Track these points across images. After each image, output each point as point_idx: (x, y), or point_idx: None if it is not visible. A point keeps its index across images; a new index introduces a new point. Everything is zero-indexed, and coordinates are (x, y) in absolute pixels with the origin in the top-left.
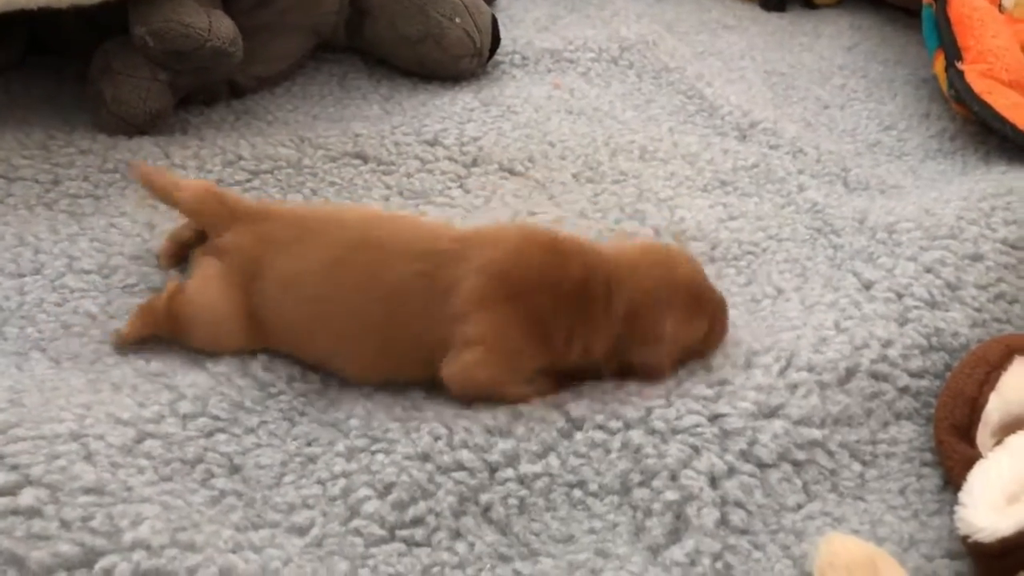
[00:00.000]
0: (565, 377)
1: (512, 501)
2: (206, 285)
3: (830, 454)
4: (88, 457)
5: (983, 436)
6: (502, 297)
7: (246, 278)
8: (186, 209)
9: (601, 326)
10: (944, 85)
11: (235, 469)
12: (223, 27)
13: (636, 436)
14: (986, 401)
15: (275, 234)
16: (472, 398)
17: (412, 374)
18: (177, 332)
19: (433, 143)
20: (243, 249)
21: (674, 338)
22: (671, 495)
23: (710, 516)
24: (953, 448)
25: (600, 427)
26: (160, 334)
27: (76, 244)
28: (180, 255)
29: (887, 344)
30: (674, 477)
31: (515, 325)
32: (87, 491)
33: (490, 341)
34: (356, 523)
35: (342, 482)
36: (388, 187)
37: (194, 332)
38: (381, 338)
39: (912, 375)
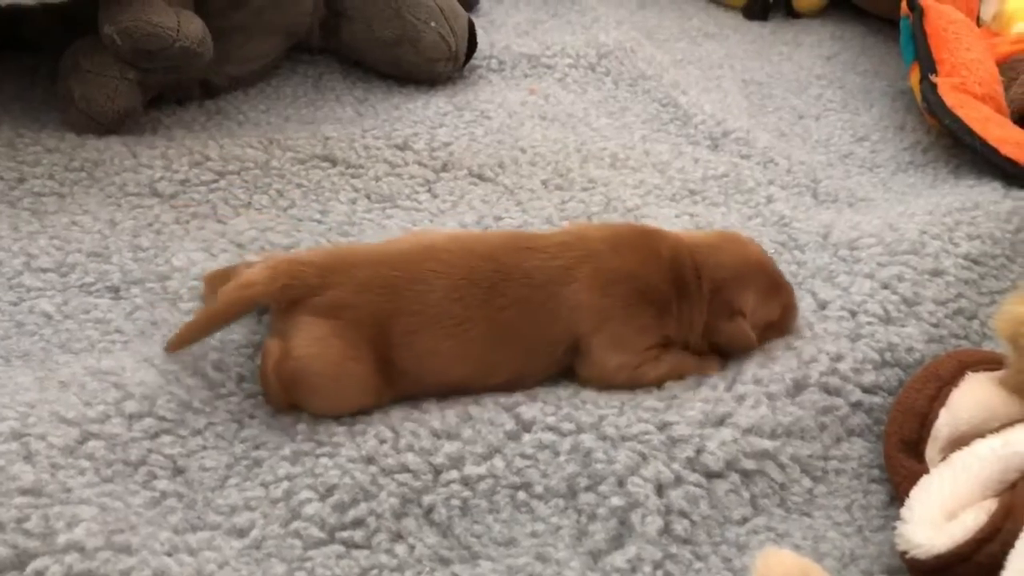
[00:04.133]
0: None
1: (455, 503)
2: (326, 347)
3: (781, 467)
4: (28, 457)
5: (932, 452)
6: (614, 280)
7: (374, 331)
8: (262, 287)
9: (695, 302)
10: (919, 97)
11: (178, 471)
12: (192, 27)
13: (587, 440)
14: (936, 417)
15: (382, 278)
16: (616, 388)
17: (548, 369)
18: (295, 399)
19: (403, 147)
20: (359, 303)
21: (755, 313)
22: (617, 501)
23: (654, 524)
24: (901, 464)
25: (550, 429)
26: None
27: (35, 242)
28: None
29: (837, 358)
30: (621, 483)
31: (632, 304)
32: (24, 492)
33: (612, 325)
34: (296, 525)
35: (285, 484)
36: (356, 190)
37: (319, 397)
38: (520, 340)
39: (865, 390)
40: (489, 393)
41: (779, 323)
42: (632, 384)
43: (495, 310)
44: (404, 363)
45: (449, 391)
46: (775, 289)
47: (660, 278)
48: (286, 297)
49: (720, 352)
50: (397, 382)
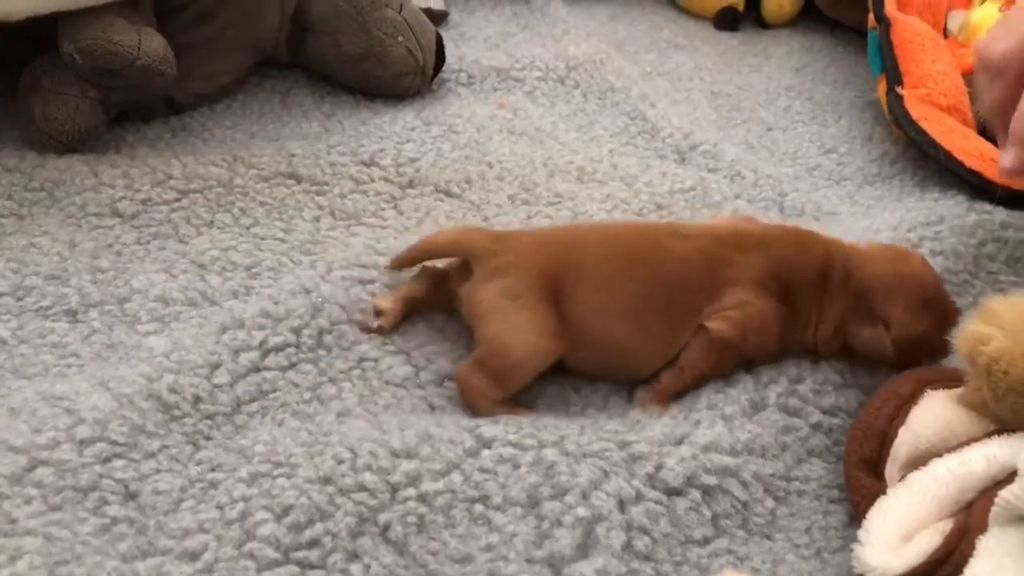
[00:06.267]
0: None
1: (411, 519)
2: (501, 304)
3: (744, 485)
4: None
5: (891, 471)
6: (769, 275)
7: (542, 280)
8: (447, 241)
9: (835, 302)
10: (886, 109)
11: (131, 496)
12: (153, 45)
13: (550, 454)
14: (895, 435)
15: (541, 238)
16: (732, 344)
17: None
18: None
19: (369, 164)
20: (538, 265)
21: (899, 324)
22: (582, 511)
23: (618, 538)
24: (861, 483)
25: (512, 444)
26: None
27: None
28: (406, 315)
29: (797, 380)
30: (585, 496)
31: (779, 301)
32: None
33: (762, 308)
34: (250, 546)
35: (240, 506)
36: (320, 207)
37: (516, 353)
38: (670, 315)
39: (824, 412)
40: (451, 413)
41: (929, 344)
42: (740, 347)
43: (644, 273)
44: (569, 313)
45: (617, 359)
46: (926, 305)
47: (802, 278)
48: (461, 251)
49: (851, 355)
50: (568, 334)
